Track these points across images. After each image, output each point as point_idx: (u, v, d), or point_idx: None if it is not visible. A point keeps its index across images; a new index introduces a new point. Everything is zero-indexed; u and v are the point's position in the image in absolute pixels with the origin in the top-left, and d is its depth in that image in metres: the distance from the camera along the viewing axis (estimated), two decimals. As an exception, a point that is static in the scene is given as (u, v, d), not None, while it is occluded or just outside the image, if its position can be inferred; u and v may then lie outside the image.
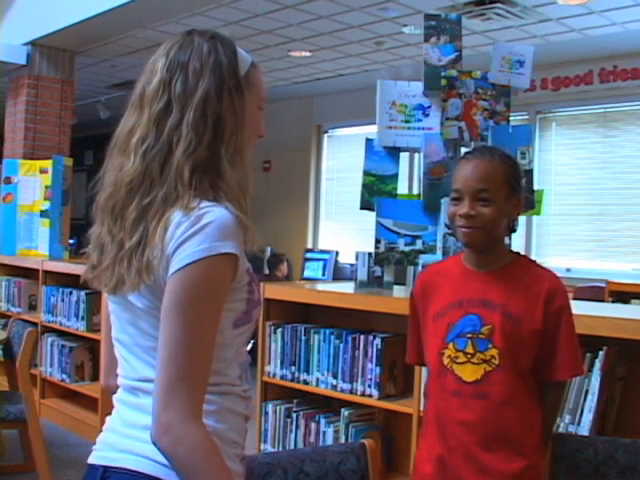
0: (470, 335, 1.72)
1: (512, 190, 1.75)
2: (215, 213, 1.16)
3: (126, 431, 1.20)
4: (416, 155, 3.31)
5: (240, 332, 1.25)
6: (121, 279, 1.19)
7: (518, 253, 1.83)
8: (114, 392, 1.39)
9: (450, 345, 1.75)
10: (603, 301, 5.23)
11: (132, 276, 1.17)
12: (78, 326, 4.76)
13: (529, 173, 2.99)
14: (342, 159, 9.08)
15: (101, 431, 1.28)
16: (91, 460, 1.24)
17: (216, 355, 1.19)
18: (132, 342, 1.23)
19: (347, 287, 3.29)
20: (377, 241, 3.12)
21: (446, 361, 1.75)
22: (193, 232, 1.14)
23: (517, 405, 1.71)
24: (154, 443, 1.11)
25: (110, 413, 1.30)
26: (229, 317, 1.21)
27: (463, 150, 3.13)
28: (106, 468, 1.19)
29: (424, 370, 2.54)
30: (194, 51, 1.24)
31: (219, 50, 1.25)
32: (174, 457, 1.10)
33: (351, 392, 2.91)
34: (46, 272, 5.11)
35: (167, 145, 1.20)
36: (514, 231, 1.83)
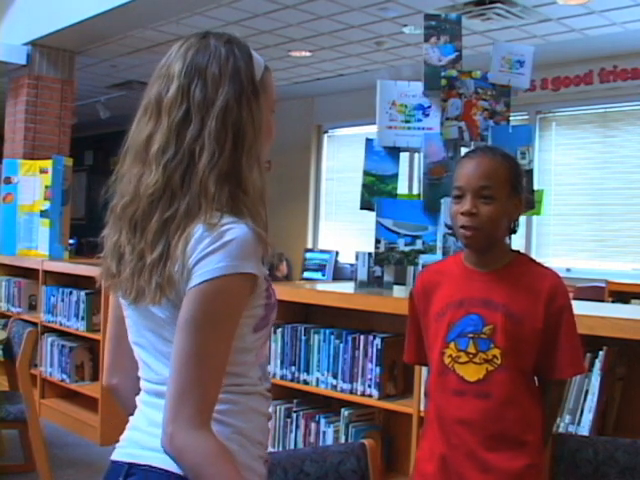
0: (472, 335, 1.72)
1: (514, 189, 1.75)
2: (236, 231, 1.15)
3: (151, 430, 1.21)
4: (416, 155, 3.32)
5: (259, 336, 1.26)
6: (142, 292, 1.19)
7: (518, 252, 1.82)
8: (116, 392, 1.40)
9: (451, 345, 1.75)
10: (603, 301, 5.24)
11: (152, 290, 1.17)
12: (78, 326, 4.76)
13: (529, 173, 2.99)
14: (342, 159, 9.09)
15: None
16: (115, 457, 1.25)
17: (237, 360, 1.21)
18: (152, 347, 1.24)
19: (347, 287, 3.29)
20: (377, 241, 3.12)
21: (447, 361, 1.75)
22: (214, 249, 1.14)
23: (519, 404, 1.71)
24: (164, 451, 1.13)
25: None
26: (249, 323, 1.22)
27: (463, 150, 3.14)
28: (131, 465, 1.21)
29: (424, 370, 2.54)
30: (212, 55, 1.22)
31: (237, 55, 1.23)
32: (182, 464, 1.12)
33: (351, 392, 2.91)
34: (46, 272, 5.11)
35: (188, 156, 1.19)
36: (514, 232, 1.83)
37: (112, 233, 1.26)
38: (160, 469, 1.17)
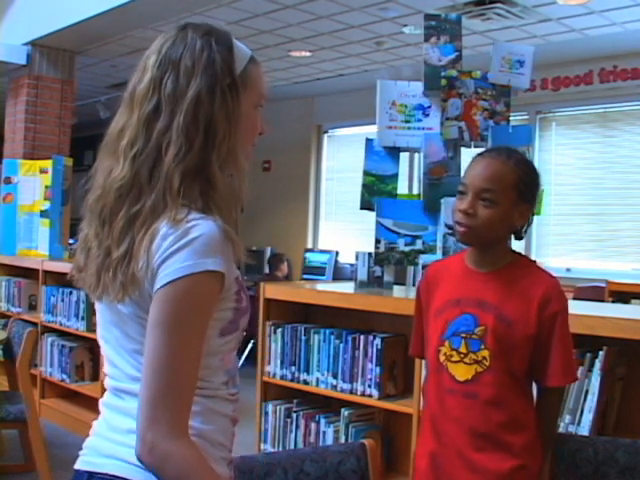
0: (464, 335, 1.72)
1: (521, 197, 1.72)
2: (202, 227, 1.13)
3: (111, 435, 1.19)
4: (416, 155, 3.31)
5: (227, 340, 1.22)
6: (106, 289, 1.17)
7: (520, 254, 1.81)
8: None
9: (446, 343, 1.75)
10: (603, 301, 5.23)
11: (117, 288, 1.15)
12: (78, 326, 4.76)
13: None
14: (342, 159, 9.08)
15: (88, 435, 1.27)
16: (77, 465, 1.22)
17: (201, 363, 1.16)
18: (116, 342, 1.22)
19: (347, 287, 3.29)
20: (377, 241, 3.12)
21: (442, 358, 1.76)
22: (179, 247, 1.11)
23: (507, 406, 1.71)
24: (139, 460, 1.09)
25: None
26: (215, 326, 1.19)
27: (463, 150, 3.14)
28: (91, 474, 1.18)
29: (424, 369, 2.54)
30: (187, 48, 1.19)
31: (213, 47, 1.20)
32: (162, 474, 1.09)
33: (351, 392, 2.91)
34: (46, 272, 5.11)
35: (156, 150, 1.17)
36: (521, 238, 1.80)
37: (85, 226, 1.25)
38: (119, 477, 1.14)
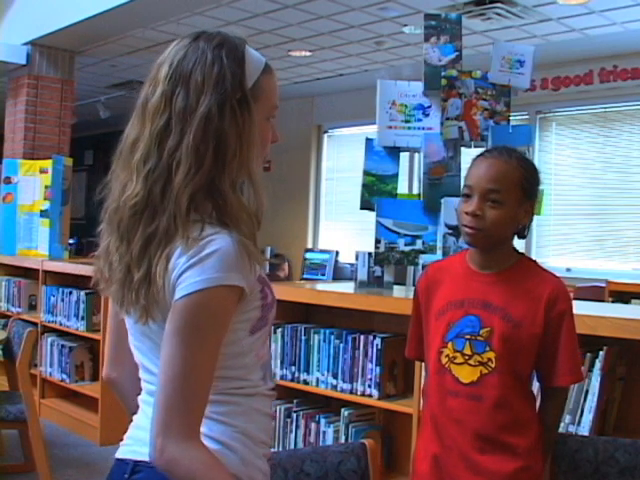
0: (469, 336, 1.72)
1: (525, 195, 1.72)
2: (217, 242, 1.14)
3: None
4: (416, 155, 3.31)
5: (257, 337, 1.25)
6: (129, 308, 1.20)
7: (523, 255, 1.80)
8: (114, 386, 1.42)
9: (449, 345, 1.74)
10: (603, 301, 5.23)
11: (139, 311, 1.18)
12: (78, 326, 4.76)
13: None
14: (342, 159, 9.09)
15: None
16: (120, 455, 1.26)
17: (235, 364, 1.21)
18: (148, 350, 1.25)
19: (347, 287, 3.29)
20: (377, 241, 3.12)
21: (444, 360, 1.75)
22: (194, 262, 1.13)
23: (511, 408, 1.70)
24: (153, 464, 1.13)
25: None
26: (244, 328, 1.21)
27: (463, 150, 3.14)
28: (136, 462, 1.21)
29: (424, 369, 2.54)
30: (197, 61, 1.18)
31: (223, 61, 1.19)
32: (174, 477, 1.12)
33: (351, 392, 2.91)
34: (46, 272, 5.11)
35: (167, 170, 1.17)
36: (524, 237, 1.80)
37: (105, 234, 1.26)
38: None
